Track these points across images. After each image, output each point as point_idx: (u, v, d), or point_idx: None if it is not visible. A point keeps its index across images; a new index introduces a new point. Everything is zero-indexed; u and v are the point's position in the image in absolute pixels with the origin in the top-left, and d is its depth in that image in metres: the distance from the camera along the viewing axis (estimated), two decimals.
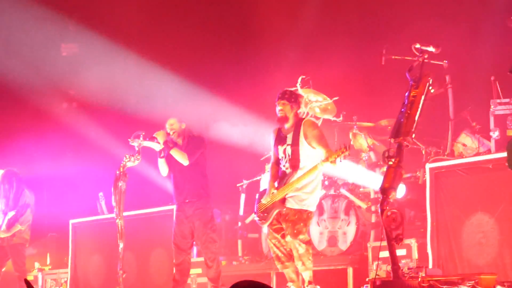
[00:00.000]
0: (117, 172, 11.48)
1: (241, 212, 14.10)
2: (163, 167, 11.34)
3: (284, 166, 9.99)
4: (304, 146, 9.82)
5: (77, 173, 17.31)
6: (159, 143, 11.20)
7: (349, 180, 12.44)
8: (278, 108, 10.00)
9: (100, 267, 14.20)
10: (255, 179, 13.64)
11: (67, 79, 18.86)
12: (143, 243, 13.49)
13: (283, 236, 9.87)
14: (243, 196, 14.09)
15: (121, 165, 11.42)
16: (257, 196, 10.34)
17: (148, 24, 17.11)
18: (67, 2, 17.77)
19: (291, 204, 9.77)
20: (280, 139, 10.11)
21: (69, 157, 17.46)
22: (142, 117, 15.31)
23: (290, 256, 9.87)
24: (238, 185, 14.09)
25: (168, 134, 11.29)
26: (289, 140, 9.99)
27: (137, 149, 11.30)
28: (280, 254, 9.91)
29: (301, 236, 9.67)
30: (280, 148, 10.06)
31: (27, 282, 5.14)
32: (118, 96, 17.67)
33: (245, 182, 14.03)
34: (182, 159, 11.11)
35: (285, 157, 9.99)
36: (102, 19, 17.75)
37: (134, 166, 11.50)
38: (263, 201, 9.97)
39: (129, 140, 11.33)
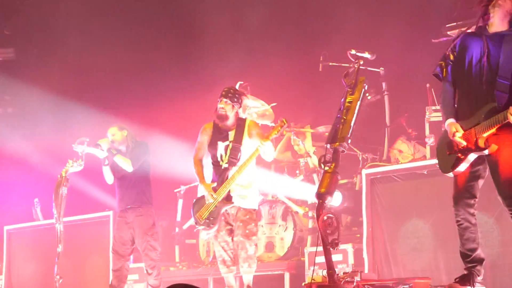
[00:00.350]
0: (59, 177, 11.40)
1: (178, 218, 14.07)
2: (108, 175, 11.29)
3: (222, 162, 9.91)
4: (246, 144, 9.80)
5: (11, 179, 17.15)
6: (103, 150, 11.16)
7: (281, 195, 12.48)
8: (219, 105, 9.96)
9: (36, 273, 14.09)
10: (192, 184, 13.62)
11: (2, 86, 18.72)
12: (79, 249, 13.41)
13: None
14: (180, 202, 14.07)
15: (64, 170, 11.34)
16: (193, 205, 10.18)
17: (88, 27, 17.05)
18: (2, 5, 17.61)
19: (239, 203, 9.70)
20: (219, 135, 10.05)
21: (3, 163, 17.29)
22: (80, 123, 15.25)
23: (235, 260, 9.84)
24: (175, 190, 14.08)
25: (112, 142, 11.27)
26: (231, 137, 9.93)
27: (80, 154, 11.24)
28: (226, 257, 9.82)
29: (253, 237, 9.67)
30: (221, 144, 9.95)
31: None
32: (54, 102, 17.58)
33: (183, 187, 14.02)
34: (126, 165, 11.09)
35: (225, 154, 9.95)
36: (40, 23, 17.65)
37: (77, 171, 11.42)
38: (204, 207, 9.87)
39: (73, 145, 11.25)
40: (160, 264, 11.30)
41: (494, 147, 6.96)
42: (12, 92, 18.94)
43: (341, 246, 10.22)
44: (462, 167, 7.20)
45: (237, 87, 12.57)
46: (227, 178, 9.75)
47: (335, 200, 11.06)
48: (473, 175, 7.22)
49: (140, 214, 11.11)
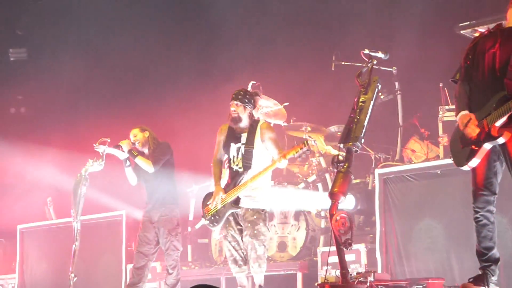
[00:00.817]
0: (78, 176, 11.42)
1: (191, 217, 14.06)
2: (131, 176, 11.34)
3: (235, 165, 9.90)
4: (258, 147, 9.76)
5: (24, 178, 17.18)
6: (123, 151, 11.19)
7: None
8: (231, 108, 9.96)
9: (48, 272, 14.09)
10: (205, 184, 13.62)
11: (15, 85, 18.78)
12: (92, 248, 13.41)
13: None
14: (193, 201, 14.06)
15: (84, 169, 11.36)
16: (204, 198, 10.20)
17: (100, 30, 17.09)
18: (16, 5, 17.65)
19: (247, 204, 9.68)
20: (233, 137, 10.00)
21: (16, 162, 17.32)
22: (92, 123, 15.27)
23: (246, 260, 9.83)
24: (188, 190, 14.07)
25: (133, 143, 11.30)
26: (243, 139, 9.89)
27: (101, 154, 11.26)
28: (238, 257, 9.80)
29: (261, 237, 9.63)
30: (233, 146, 9.96)
31: None
32: (66, 102, 17.63)
33: (195, 187, 14.01)
34: (147, 166, 11.11)
35: (237, 156, 9.93)
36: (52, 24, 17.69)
37: (97, 171, 11.43)
38: (212, 204, 9.87)
39: (94, 145, 11.27)
40: (180, 264, 11.31)
41: (507, 134, 6.93)
42: (25, 92, 19.01)
43: (354, 246, 10.19)
44: (477, 159, 7.16)
45: (249, 86, 12.58)
46: (239, 182, 9.76)
47: (349, 203, 11.01)
48: (491, 171, 7.20)
49: (165, 214, 11.14)
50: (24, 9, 17.80)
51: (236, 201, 9.68)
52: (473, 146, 7.15)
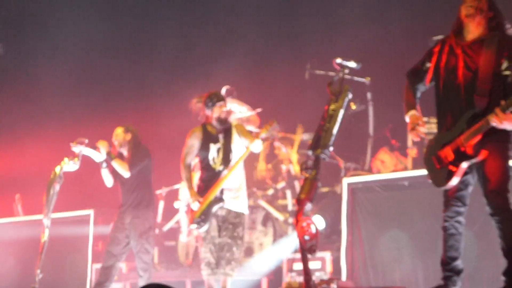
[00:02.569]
0: (52, 173, 11.39)
1: (159, 219, 14.05)
2: (107, 178, 11.31)
3: (217, 165, 9.92)
4: (236, 144, 9.86)
5: None
6: (100, 153, 11.16)
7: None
8: (222, 109, 9.95)
9: (15, 268, 14.01)
10: (174, 187, 13.63)
11: None
12: (59, 246, 13.35)
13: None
14: (161, 203, 14.06)
15: (59, 167, 11.32)
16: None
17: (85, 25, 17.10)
18: None
19: (231, 205, 9.77)
20: (211, 138, 10.00)
21: None
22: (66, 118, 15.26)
23: (219, 264, 9.82)
24: (157, 192, 14.05)
25: (113, 144, 11.29)
26: (221, 139, 9.98)
27: (77, 154, 11.23)
28: (212, 260, 9.78)
29: (239, 241, 9.68)
30: (213, 147, 10.00)
31: None
32: (41, 99, 17.59)
33: (165, 189, 14.01)
34: (122, 170, 11.09)
35: (218, 156, 9.96)
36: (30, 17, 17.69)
37: (72, 170, 11.38)
38: (195, 208, 9.84)
39: (71, 144, 11.23)
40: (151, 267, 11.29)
41: (484, 152, 6.92)
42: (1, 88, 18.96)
43: (320, 254, 10.26)
44: (456, 180, 7.13)
45: (223, 91, 12.60)
46: (219, 179, 9.81)
47: (319, 225, 11.01)
48: (463, 183, 7.17)
49: (137, 216, 11.08)
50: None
51: (220, 197, 9.74)
52: (451, 167, 7.12)
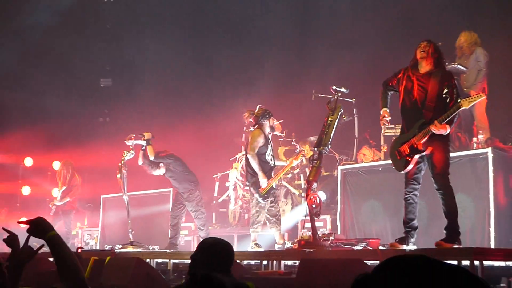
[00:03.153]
0: (119, 164, 11.45)
1: (215, 194, 14.09)
2: (140, 158, 11.34)
3: (269, 159, 9.90)
4: None
5: (107, 163, 17.21)
6: (144, 140, 11.12)
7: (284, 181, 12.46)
8: (277, 121, 10.31)
9: (119, 227, 14.07)
10: (225, 172, 13.66)
11: (104, 102, 18.87)
12: (149, 213, 13.43)
13: None
14: (217, 184, 14.10)
15: (122, 159, 11.37)
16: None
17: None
18: (103, 50, 17.72)
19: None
20: (268, 139, 10.02)
21: (102, 153, 17.37)
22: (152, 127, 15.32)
23: (270, 223, 9.94)
24: (214, 176, 14.09)
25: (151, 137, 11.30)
26: (271, 141, 10.11)
27: (131, 146, 11.25)
28: (265, 221, 9.95)
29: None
30: (269, 146, 10.00)
31: (5, 229, 4.82)
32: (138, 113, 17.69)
33: (219, 174, 14.05)
34: (150, 154, 11.16)
35: (270, 153, 9.98)
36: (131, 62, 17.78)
37: (131, 158, 11.40)
38: (266, 187, 9.75)
39: (124, 141, 11.26)
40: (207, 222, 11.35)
41: (429, 148, 7.06)
42: (109, 107, 19.08)
43: (322, 217, 10.22)
44: (410, 166, 7.22)
45: (257, 108, 12.58)
46: (278, 172, 10.19)
47: (321, 197, 10.90)
48: (417, 169, 7.24)
49: (191, 194, 11.13)
50: (109, 54, 17.91)
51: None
52: (408, 158, 7.20)
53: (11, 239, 4.54)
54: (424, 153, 7.10)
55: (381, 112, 7.79)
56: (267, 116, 9.98)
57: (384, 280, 1.50)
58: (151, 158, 11.06)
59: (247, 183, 10.26)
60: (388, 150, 10.09)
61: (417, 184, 7.29)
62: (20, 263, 4.43)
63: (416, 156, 7.13)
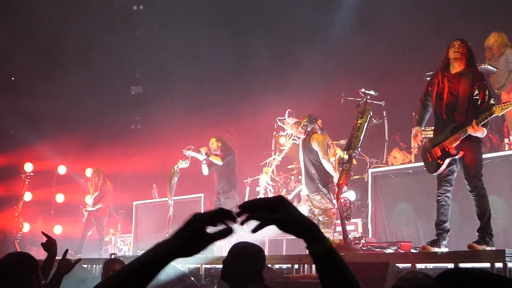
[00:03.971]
0: (172, 170, 11.63)
1: (246, 199, 14.04)
2: (205, 169, 11.68)
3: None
4: None
5: (138, 170, 17.36)
6: (202, 154, 11.46)
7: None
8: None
9: (152, 232, 14.17)
10: (256, 177, 13.65)
11: (135, 109, 19.03)
12: (181, 218, 13.46)
13: None
14: (248, 188, 14.08)
15: (176, 165, 11.60)
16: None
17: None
18: (135, 57, 17.85)
19: None
20: None
21: (134, 159, 17.52)
22: (182, 134, 15.36)
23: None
24: (245, 181, 14.09)
25: (210, 149, 11.56)
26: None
27: (188, 156, 11.54)
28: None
29: None
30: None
31: (44, 234, 5.06)
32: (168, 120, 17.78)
33: (249, 179, 14.04)
34: (217, 161, 11.36)
35: None
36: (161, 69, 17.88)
37: (184, 167, 11.74)
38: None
39: (183, 150, 11.54)
40: None
41: (461, 152, 7.05)
42: (140, 114, 19.23)
43: (353, 220, 10.17)
44: (442, 168, 7.21)
45: (287, 112, 12.59)
46: None
47: (351, 196, 10.79)
48: (450, 171, 7.23)
49: (228, 197, 11.24)
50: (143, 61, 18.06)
51: None
52: (439, 161, 7.20)
53: (50, 244, 4.72)
54: (455, 157, 7.07)
55: (413, 130, 7.80)
56: (314, 120, 9.99)
57: None
58: (220, 163, 11.42)
59: (310, 191, 9.98)
60: (419, 152, 10.04)
61: (450, 186, 7.24)
62: (59, 276, 4.62)
63: (448, 160, 7.10)
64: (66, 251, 5.26)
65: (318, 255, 1.89)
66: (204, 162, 11.47)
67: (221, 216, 1.82)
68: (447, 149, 7.09)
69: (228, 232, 1.78)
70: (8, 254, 4.18)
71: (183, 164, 11.61)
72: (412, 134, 7.79)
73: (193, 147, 11.58)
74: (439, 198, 7.26)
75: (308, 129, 9.94)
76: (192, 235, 1.80)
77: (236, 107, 16.35)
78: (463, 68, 7.23)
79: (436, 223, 7.32)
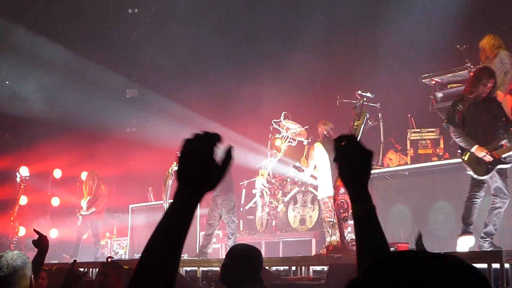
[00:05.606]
0: (167, 172, 11.56)
1: (242, 201, 14.07)
2: None
3: None
4: None
5: (133, 173, 17.32)
6: None
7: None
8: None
9: (148, 235, 13.87)
10: (252, 179, 13.66)
11: (130, 112, 18.99)
12: None
13: None
14: (244, 191, 14.09)
15: (170, 168, 11.51)
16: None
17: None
18: (130, 61, 17.83)
19: None
20: None
21: (128, 164, 17.48)
22: (177, 137, 15.30)
23: None
24: (241, 183, 14.09)
25: None
26: None
27: None
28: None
29: None
30: None
31: (36, 231, 5.10)
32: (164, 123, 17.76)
33: (245, 181, 14.04)
34: None
35: None
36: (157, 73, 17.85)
37: None
38: None
39: (177, 152, 11.39)
40: (236, 232, 11.35)
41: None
42: (136, 117, 19.20)
43: (350, 221, 10.15)
44: (492, 172, 7.54)
45: (282, 115, 12.60)
46: None
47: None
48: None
49: (225, 199, 11.13)
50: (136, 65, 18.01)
51: None
52: (490, 166, 7.53)
53: (40, 240, 4.78)
54: (507, 166, 7.49)
55: (476, 150, 7.69)
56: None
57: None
58: None
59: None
60: (415, 154, 10.07)
61: (484, 189, 7.64)
62: (67, 286, 4.74)
63: (499, 167, 7.45)
64: (74, 261, 5.31)
65: (361, 215, 2.00)
66: None
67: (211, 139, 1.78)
68: (497, 157, 7.49)
69: (230, 151, 1.76)
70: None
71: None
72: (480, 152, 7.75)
73: None
74: (475, 200, 7.59)
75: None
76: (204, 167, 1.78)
77: (231, 109, 16.32)
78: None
79: (463, 218, 7.61)
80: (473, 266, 1.31)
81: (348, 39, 14.35)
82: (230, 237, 11.12)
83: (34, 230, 5.21)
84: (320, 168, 10.34)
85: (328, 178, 10.15)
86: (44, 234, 5.06)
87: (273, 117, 12.85)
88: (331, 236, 8.75)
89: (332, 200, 9.91)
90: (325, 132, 10.48)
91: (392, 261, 1.35)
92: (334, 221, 7.94)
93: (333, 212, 9.81)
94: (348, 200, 7.43)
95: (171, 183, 11.56)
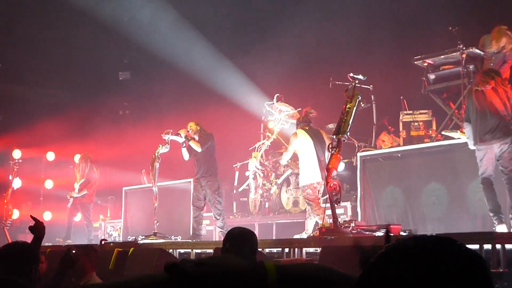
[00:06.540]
0: (153, 156, 11.50)
1: (235, 183, 14.09)
2: (185, 154, 11.35)
3: None
4: None
5: (127, 156, 17.30)
6: (181, 137, 11.24)
7: None
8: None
9: (141, 218, 14.19)
10: (245, 162, 13.66)
11: (123, 95, 18.95)
12: (170, 203, 13.47)
13: None
14: (237, 173, 14.10)
15: (156, 151, 11.44)
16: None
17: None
18: (122, 43, 17.72)
19: None
20: None
21: (122, 147, 17.46)
22: (170, 119, 15.31)
23: None
24: (234, 165, 14.10)
25: (188, 131, 11.33)
26: None
27: (167, 140, 11.32)
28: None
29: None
30: None
31: (33, 217, 5.12)
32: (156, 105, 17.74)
33: (238, 164, 14.04)
34: (196, 147, 11.15)
35: None
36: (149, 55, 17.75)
37: (165, 152, 11.49)
38: None
39: (161, 134, 11.33)
40: (224, 212, 11.34)
41: None
42: (128, 100, 19.17)
43: (342, 203, 10.20)
44: None
45: (275, 97, 12.57)
46: None
47: (340, 167, 10.83)
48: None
49: (209, 181, 11.16)
50: (128, 48, 17.90)
51: None
52: None
53: (37, 226, 4.80)
54: None
55: None
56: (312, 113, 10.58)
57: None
58: (200, 150, 11.18)
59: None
60: (407, 135, 10.11)
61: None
62: (63, 272, 4.82)
63: None
64: (69, 248, 5.35)
65: None
66: (184, 145, 11.31)
67: None
68: None
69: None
70: (10, 243, 4.38)
71: (163, 149, 11.43)
72: None
73: (171, 131, 11.43)
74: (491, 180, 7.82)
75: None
76: None
77: (225, 92, 16.27)
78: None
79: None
80: (469, 248, 1.34)
81: (341, 21, 14.30)
82: (218, 217, 11.16)
83: (31, 216, 5.21)
84: (301, 155, 10.27)
85: (310, 165, 10.15)
86: (41, 221, 5.07)
87: (266, 99, 12.84)
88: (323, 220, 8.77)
89: (313, 187, 10.02)
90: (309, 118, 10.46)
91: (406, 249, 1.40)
92: (327, 204, 7.94)
93: (315, 197, 9.93)
94: (340, 183, 7.45)
95: (158, 166, 11.52)
